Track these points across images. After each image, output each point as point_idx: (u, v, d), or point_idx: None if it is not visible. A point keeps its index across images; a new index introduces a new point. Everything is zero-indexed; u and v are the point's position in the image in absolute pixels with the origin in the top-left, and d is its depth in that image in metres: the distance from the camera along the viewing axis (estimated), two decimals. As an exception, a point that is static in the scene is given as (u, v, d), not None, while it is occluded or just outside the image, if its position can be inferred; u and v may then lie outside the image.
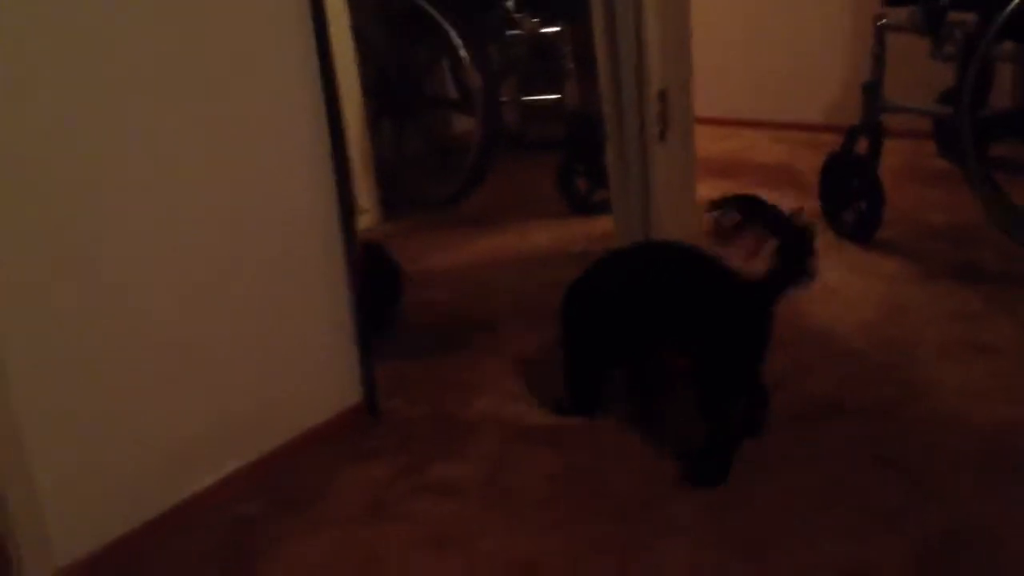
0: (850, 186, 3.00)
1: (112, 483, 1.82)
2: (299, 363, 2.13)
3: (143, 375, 1.84)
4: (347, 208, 2.15)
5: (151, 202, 1.81)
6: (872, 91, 2.93)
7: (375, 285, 2.56)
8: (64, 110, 1.67)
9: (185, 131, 1.84)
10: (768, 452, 2.00)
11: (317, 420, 2.16)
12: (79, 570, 1.77)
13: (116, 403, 1.81)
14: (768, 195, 3.37)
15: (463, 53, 3.33)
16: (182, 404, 1.91)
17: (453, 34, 3.32)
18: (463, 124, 3.98)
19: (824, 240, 3.03)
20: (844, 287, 2.71)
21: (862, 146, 2.95)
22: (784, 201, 3.32)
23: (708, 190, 3.40)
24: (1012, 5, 2.49)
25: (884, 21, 2.91)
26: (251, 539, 1.88)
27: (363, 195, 3.47)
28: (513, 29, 3.51)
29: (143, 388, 1.84)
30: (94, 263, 1.75)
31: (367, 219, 3.47)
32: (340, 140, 2.11)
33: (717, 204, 2.02)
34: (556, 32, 3.40)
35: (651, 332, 2.07)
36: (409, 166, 3.88)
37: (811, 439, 2.04)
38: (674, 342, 2.06)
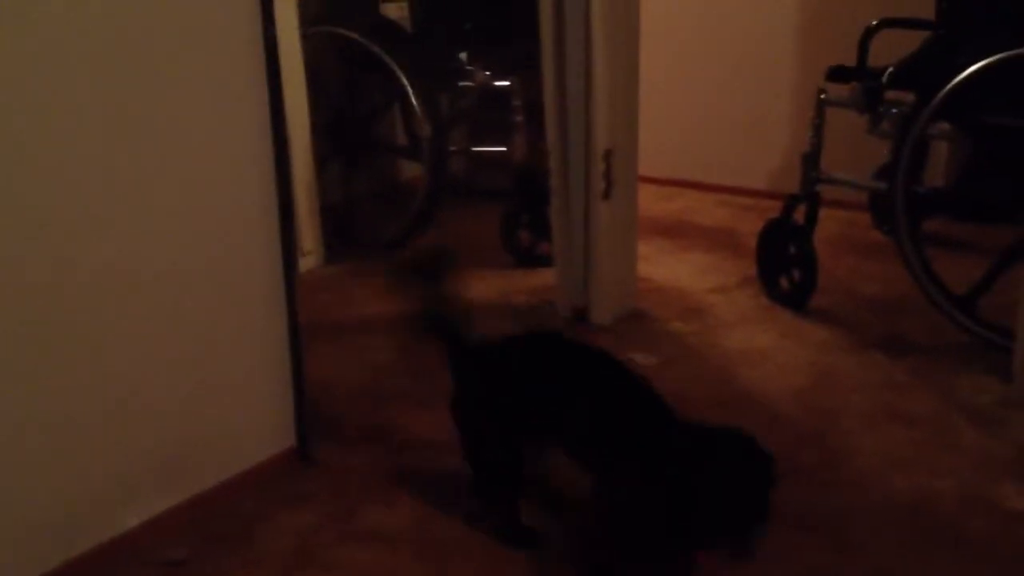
0: (786, 253, 3.07)
1: (33, 521, 1.78)
2: (233, 405, 2.12)
3: (70, 410, 1.81)
4: (289, 250, 2.15)
5: (86, 234, 1.80)
6: (810, 162, 3.00)
7: None
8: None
9: (119, 161, 1.83)
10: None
11: (249, 463, 2.15)
12: (-9, 610, 1.73)
13: (40, 438, 1.78)
14: (706, 258, 3.48)
15: (414, 101, 3.37)
16: (110, 442, 1.89)
17: (405, 82, 3.36)
18: (411, 169, 4.00)
19: (758, 304, 3.10)
20: (775, 352, 2.76)
21: (800, 214, 3.02)
22: (723, 265, 3.39)
23: (650, 249, 3.46)
24: (947, 87, 2.59)
25: (825, 96, 2.99)
26: (174, 582, 1.86)
27: (307, 236, 3.47)
28: (465, 80, 3.56)
29: (70, 423, 1.81)
30: (25, 292, 1.72)
31: (310, 261, 3.47)
32: (286, 181, 2.12)
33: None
34: (507, 86, 3.45)
35: None
36: (355, 209, 3.89)
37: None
38: None
